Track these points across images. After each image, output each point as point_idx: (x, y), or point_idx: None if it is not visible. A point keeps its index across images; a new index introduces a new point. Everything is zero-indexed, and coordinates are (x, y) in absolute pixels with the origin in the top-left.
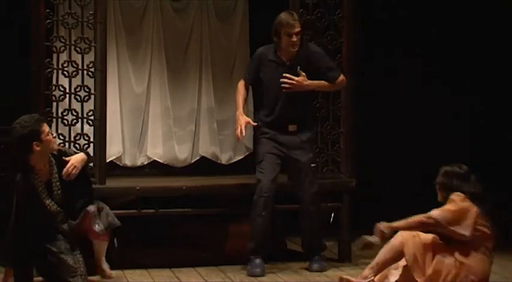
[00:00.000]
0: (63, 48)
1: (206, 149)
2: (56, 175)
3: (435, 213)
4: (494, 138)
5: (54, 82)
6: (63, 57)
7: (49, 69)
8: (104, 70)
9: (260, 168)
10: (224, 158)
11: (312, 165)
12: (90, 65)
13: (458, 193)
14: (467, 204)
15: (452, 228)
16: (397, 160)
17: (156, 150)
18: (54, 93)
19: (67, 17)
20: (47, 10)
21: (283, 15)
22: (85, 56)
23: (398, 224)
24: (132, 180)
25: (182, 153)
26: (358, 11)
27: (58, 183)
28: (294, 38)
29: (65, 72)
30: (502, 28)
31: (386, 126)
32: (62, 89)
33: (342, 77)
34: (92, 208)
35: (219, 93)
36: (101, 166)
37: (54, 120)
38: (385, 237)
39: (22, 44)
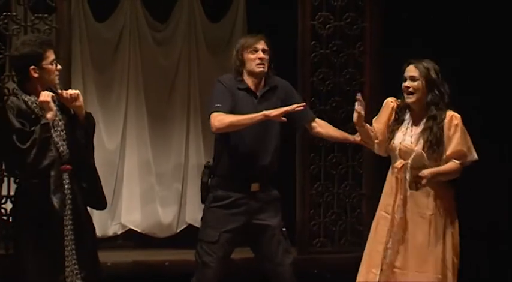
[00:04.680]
0: (16, 90)
1: (195, 215)
2: (59, 114)
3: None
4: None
5: None
6: None
7: None
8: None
9: (211, 251)
10: None
11: (283, 229)
12: None
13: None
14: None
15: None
16: None
17: (132, 217)
18: None
19: None
20: None
21: (243, 38)
22: None
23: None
24: (102, 254)
25: (166, 218)
26: (383, 43)
27: (62, 124)
28: (261, 54)
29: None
30: (504, 28)
31: None
32: None
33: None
34: None
35: (211, 144)
36: None
37: (6, 178)
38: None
39: None
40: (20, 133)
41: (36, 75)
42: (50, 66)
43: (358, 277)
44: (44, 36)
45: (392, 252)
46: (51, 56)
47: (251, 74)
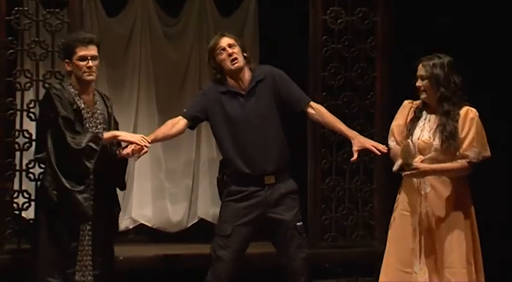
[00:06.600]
0: (29, 84)
1: (206, 209)
2: (100, 112)
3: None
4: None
5: (17, 127)
6: (29, 95)
7: (11, 111)
8: None
9: (224, 244)
10: None
11: (298, 223)
12: None
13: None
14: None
15: None
16: None
17: (143, 212)
18: (17, 140)
19: (34, 46)
20: (10, 38)
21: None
22: None
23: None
24: (114, 248)
25: (176, 215)
26: (394, 37)
27: (100, 122)
28: (229, 50)
29: (31, 115)
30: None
31: None
32: (27, 136)
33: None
34: None
35: None
36: None
37: (18, 173)
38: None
39: None
40: (68, 121)
41: (69, 68)
42: (78, 62)
43: (381, 277)
44: (88, 34)
45: (425, 249)
46: (80, 52)
47: (230, 73)
